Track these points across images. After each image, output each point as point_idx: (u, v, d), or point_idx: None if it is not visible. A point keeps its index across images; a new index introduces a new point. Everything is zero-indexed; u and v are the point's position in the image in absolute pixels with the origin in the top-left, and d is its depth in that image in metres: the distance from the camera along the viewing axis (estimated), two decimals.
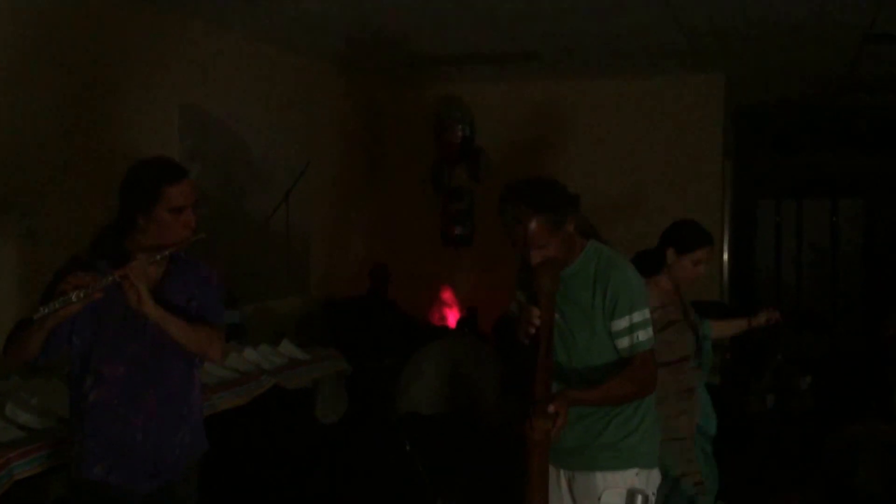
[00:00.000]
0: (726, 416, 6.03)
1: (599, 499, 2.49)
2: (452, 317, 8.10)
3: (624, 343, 2.46)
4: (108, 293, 2.30)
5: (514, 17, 5.63)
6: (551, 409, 2.22)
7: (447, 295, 8.23)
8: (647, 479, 2.54)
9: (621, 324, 2.45)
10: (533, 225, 2.39)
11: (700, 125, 7.72)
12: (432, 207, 7.51)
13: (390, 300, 7.23)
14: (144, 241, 2.43)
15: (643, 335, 2.45)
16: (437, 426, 5.78)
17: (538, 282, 2.43)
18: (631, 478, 2.50)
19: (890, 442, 4.88)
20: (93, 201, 4.36)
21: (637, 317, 2.44)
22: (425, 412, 6.02)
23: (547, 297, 2.42)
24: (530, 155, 7.91)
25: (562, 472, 2.62)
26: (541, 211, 2.39)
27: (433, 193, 7.47)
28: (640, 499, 2.45)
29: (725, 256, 8.11)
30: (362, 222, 7.94)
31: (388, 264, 7.41)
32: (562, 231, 2.44)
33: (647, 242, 8.03)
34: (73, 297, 2.20)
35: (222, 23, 5.72)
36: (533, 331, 2.40)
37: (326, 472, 5.15)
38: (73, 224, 4.30)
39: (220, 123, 5.87)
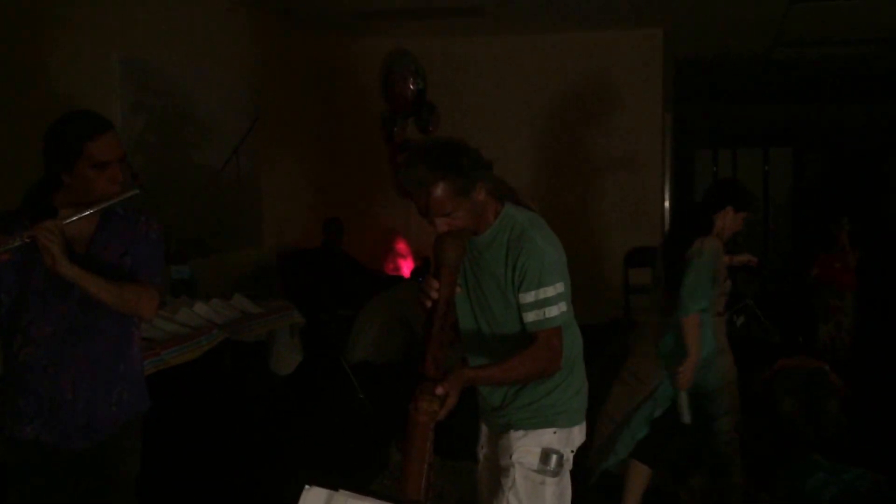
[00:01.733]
0: None
1: (511, 457, 2.30)
2: (407, 267, 7.95)
3: (530, 317, 2.18)
4: (33, 252, 2.13)
5: None
6: (440, 390, 1.94)
7: (401, 245, 8.07)
8: (567, 438, 2.33)
9: (528, 297, 2.19)
10: (438, 191, 2.08)
11: (640, 79, 7.64)
12: (385, 159, 7.29)
13: (344, 251, 7.04)
14: (72, 198, 2.25)
15: (554, 311, 2.16)
16: (389, 373, 5.67)
17: (440, 253, 2.16)
18: (547, 437, 2.28)
19: (812, 373, 4.94)
20: (28, 158, 4.05)
21: (548, 291, 2.15)
22: (377, 360, 5.90)
23: (448, 270, 2.12)
24: (475, 109, 7.74)
25: (490, 432, 2.47)
26: (446, 176, 2.08)
27: (385, 145, 7.23)
28: (554, 458, 2.25)
29: (667, 204, 8.06)
30: (315, 174, 7.69)
31: (342, 216, 7.19)
32: (470, 198, 2.13)
33: (591, 192, 8.03)
34: None
35: None
36: (429, 304, 2.14)
37: (281, 422, 4.99)
38: (4, 181, 4.00)
39: (164, 76, 5.51)
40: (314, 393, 5.51)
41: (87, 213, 2.21)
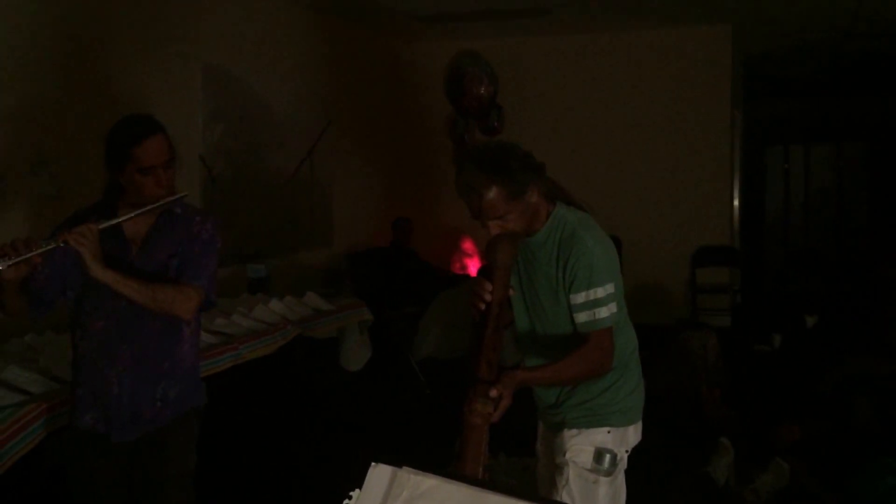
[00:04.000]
0: (735, 357, 6.02)
1: (564, 455, 2.28)
2: (473, 266, 8.02)
3: (581, 318, 2.16)
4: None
5: None
6: (494, 392, 1.91)
7: (467, 245, 8.15)
8: (622, 438, 2.28)
9: (578, 298, 2.17)
10: (490, 194, 2.08)
11: (709, 75, 7.50)
12: (450, 160, 7.38)
13: (412, 251, 7.15)
14: (129, 199, 2.32)
15: (604, 312, 2.14)
16: (454, 370, 5.73)
17: (493, 255, 2.13)
18: (601, 436, 2.25)
19: (885, 376, 4.80)
20: None
21: (598, 292, 2.13)
22: (443, 357, 5.98)
23: (501, 272, 2.13)
24: (540, 109, 7.74)
25: (546, 429, 2.47)
26: (498, 180, 2.08)
27: (451, 146, 7.32)
28: (607, 458, 2.23)
29: (736, 202, 7.93)
30: (384, 176, 7.82)
31: (410, 216, 7.31)
32: (522, 201, 2.13)
33: (658, 189, 7.97)
34: (1, 266, 2.07)
35: None
36: (483, 306, 2.13)
37: (350, 416, 5.09)
38: (99, 184, 4.21)
39: (243, 83, 5.71)
40: (382, 388, 5.62)
41: (123, 218, 2.25)
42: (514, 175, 2.10)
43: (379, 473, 1.00)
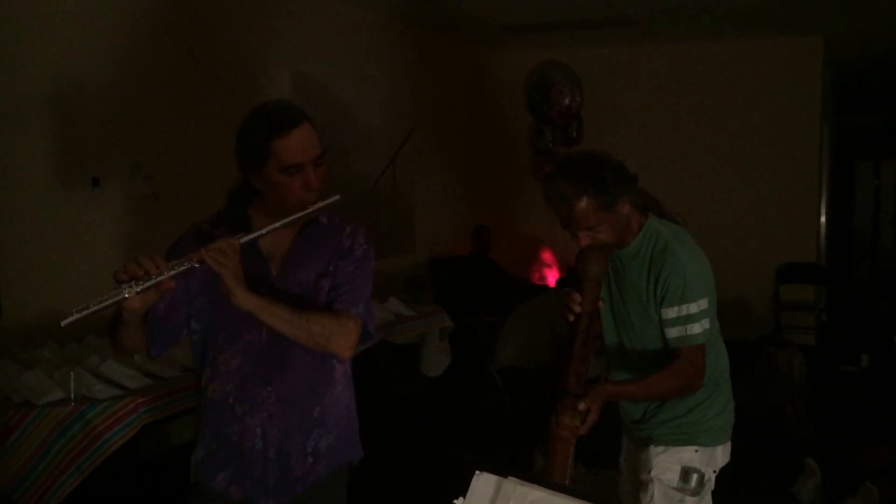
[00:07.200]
0: (821, 377, 5.80)
1: (650, 472, 2.21)
2: (552, 276, 7.95)
3: (673, 333, 2.08)
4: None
5: None
6: (582, 406, 1.87)
7: (546, 255, 8.09)
8: (710, 458, 2.20)
9: (670, 313, 2.06)
10: (581, 205, 2.02)
11: (798, 88, 7.26)
12: (531, 170, 7.34)
13: (492, 260, 7.13)
14: (268, 206, 1.85)
15: (696, 328, 2.05)
16: (533, 379, 5.69)
17: (584, 266, 2.07)
18: (689, 455, 2.17)
19: None
20: (208, 165, 4.38)
21: (691, 308, 2.05)
22: (522, 366, 5.94)
23: (591, 284, 2.07)
24: (623, 119, 7.63)
25: (631, 444, 2.41)
26: (589, 190, 2.01)
27: (532, 156, 7.28)
28: (695, 478, 2.15)
29: (823, 218, 7.64)
30: (464, 184, 7.83)
31: (490, 225, 7.30)
32: (613, 212, 2.05)
33: (742, 203, 7.76)
34: (126, 293, 1.62)
35: None
36: (572, 318, 2.08)
37: (430, 422, 5.09)
38: (190, 186, 4.34)
39: (329, 90, 5.78)
40: (461, 394, 5.61)
41: (268, 229, 1.79)
42: (606, 186, 2.04)
43: (484, 482, 0.98)
